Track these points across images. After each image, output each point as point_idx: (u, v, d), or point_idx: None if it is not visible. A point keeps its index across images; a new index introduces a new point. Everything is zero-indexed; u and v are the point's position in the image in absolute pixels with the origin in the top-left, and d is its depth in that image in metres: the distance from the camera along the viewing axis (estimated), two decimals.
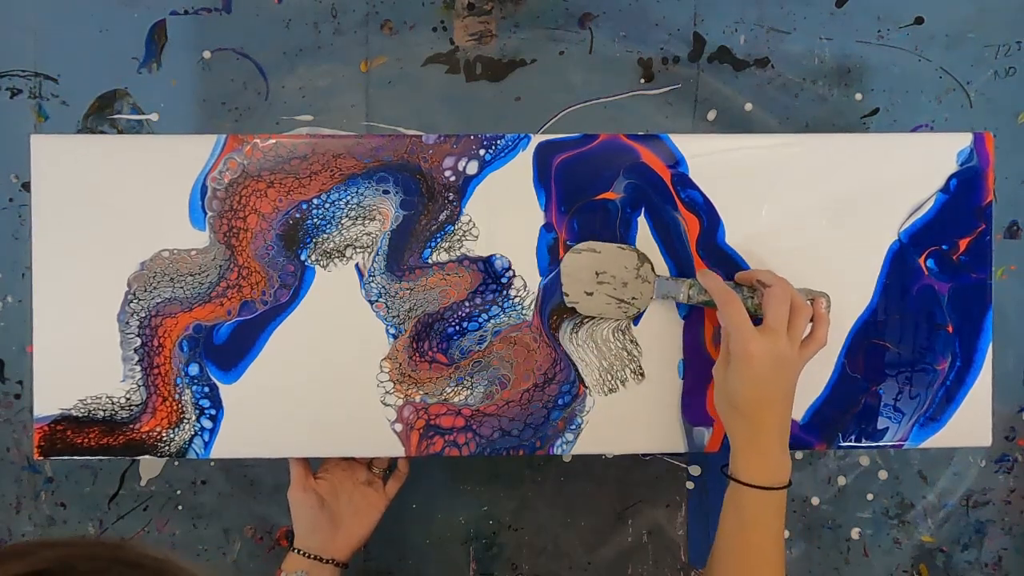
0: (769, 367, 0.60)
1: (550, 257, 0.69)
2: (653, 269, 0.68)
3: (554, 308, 0.69)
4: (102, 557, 0.38)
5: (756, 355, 0.60)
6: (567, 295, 0.68)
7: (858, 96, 0.85)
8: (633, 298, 0.68)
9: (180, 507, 0.85)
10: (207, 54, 0.84)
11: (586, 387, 0.69)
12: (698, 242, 0.69)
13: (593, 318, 0.69)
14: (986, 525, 0.87)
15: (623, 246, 0.68)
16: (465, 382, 0.69)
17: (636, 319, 0.69)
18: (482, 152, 0.69)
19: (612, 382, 0.69)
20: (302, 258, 0.68)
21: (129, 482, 0.85)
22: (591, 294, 0.68)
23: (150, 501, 0.85)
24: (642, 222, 0.69)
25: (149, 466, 0.85)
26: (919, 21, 0.84)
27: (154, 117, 0.84)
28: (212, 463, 0.85)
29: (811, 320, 0.65)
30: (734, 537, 0.62)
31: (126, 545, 0.39)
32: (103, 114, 0.84)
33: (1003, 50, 0.85)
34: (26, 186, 0.84)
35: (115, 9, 0.83)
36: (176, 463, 0.85)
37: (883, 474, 0.86)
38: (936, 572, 0.87)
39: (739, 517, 0.62)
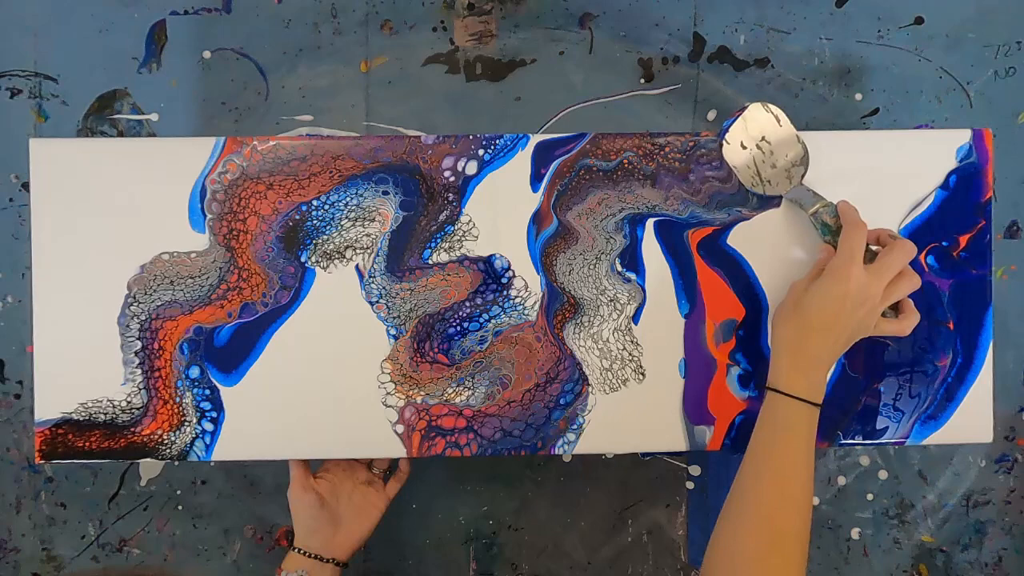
0: (856, 295, 0.61)
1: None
2: (804, 176, 0.68)
3: (558, 308, 0.69)
4: None
5: (852, 278, 0.61)
6: (728, 131, 0.68)
7: (858, 96, 0.85)
8: (769, 181, 0.68)
9: (180, 507, 0.85)
10: (207, 54, 0.83)
11: (589, 386, 0.69)
12: (699, 243, 0.69)
13: (594, 319, 0.69)
14: (986, 525, 0.87)
15: (801, 138, 0.68)
16: (466, 383, 0.69)
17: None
18: (481, 152, 0.69)
19: (613, 382, 0.69)
20: (302, 260, 0.68)
21: (129, 482, 0.85)
22: (745, 148, 0.68)
23: (150, 501, 0.85)
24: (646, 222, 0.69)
25: (149, 466, 0.85)
26: (919, 21, 0.84)
27: (154, 117, 0.84)
28: (212, 463, 0.85)
29: (902, 310, 0.65)
30: (765, 446, 0.62)
31: None
32: (103, 114, 0.84)
33: (1003, 50, 0.85)
34: (26, 186, 0.83)
35: (115, 9, 0.83)
36: (176, 464, 0.85)
37: (883, 474, 0.86)
38: (936, 572, 0.87)
39: (772, 426, 0.62)
